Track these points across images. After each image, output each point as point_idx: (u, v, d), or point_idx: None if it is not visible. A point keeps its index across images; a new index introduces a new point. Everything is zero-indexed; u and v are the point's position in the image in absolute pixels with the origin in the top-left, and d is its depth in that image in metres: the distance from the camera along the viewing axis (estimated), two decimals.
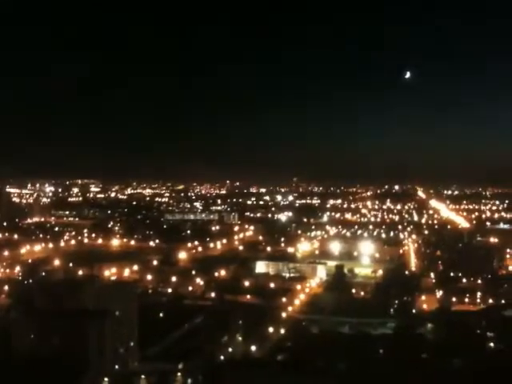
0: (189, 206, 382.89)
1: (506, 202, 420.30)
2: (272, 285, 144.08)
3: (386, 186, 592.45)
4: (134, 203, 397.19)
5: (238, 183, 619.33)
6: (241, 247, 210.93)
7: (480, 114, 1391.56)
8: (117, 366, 78.56)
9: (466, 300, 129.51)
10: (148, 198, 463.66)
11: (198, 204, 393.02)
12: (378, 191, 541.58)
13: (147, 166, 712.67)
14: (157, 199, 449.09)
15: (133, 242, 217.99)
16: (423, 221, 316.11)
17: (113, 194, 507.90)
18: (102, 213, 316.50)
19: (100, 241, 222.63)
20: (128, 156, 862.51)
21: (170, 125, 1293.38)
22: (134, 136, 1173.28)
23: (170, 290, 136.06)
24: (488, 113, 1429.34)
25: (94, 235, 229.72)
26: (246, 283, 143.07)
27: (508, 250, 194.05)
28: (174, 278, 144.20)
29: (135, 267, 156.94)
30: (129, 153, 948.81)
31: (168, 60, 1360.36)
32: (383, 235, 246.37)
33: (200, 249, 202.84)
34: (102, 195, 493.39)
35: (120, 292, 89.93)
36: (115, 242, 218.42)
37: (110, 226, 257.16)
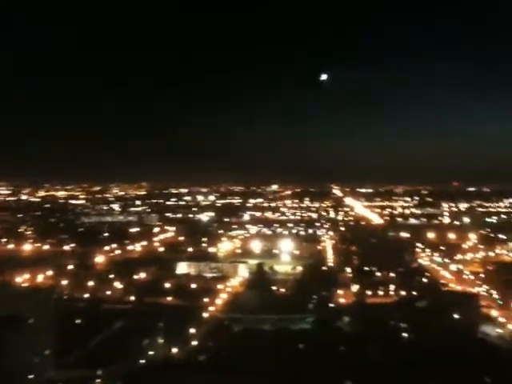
0: (106, 207, 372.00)
1: (416, 198, 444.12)
2: (194, 285, 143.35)
3: (305, 185, 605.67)
4: (47, 206, 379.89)
5: (158, 183, 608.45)
6: (161, 248, 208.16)
7: (389, 114, 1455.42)
8: (31, 376, 74.84)
9: (381, 293, 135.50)
10: (62, 201, 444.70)
11: (116, 205, 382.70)
12: (297, 190, 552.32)
13: (60, 167, 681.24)
14: (72, 201, 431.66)
15: (47, 247, 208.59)
16: (339, 218, 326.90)
17: (24, 197, 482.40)
18: (13, 216, 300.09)
19: (11, 246, 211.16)
20: (40, 157, 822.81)
21: (86, 124, 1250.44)
22: (45, 136, 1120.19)
23: (87, 295, 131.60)
24: (398, 113, 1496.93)
25: (4, 240, 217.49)
26: (167, 285, 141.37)
27: (418, 244, 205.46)
28: (91, 283, 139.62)
29: (50, 272, 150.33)
30: (41, 153, 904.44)
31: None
32: (302, 232, 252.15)
33: (118, 251, 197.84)
34: (13, 198, 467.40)
35: (33, 299, 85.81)
36: (27, 247, 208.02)
37: (21, 230, 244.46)
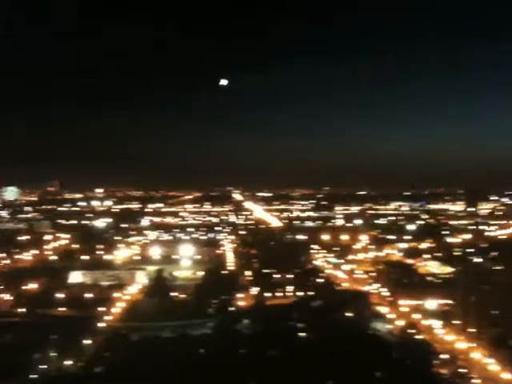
0: None
1: (312, 202, 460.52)
2: (89, 295, 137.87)
3: (205, 190, 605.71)
4: None
5: (50, 189, 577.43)
6: (54, 257, 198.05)
7: (286, 121, 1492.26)
8: None
9: (279, 294, 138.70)
10: None
11: (3, 212, 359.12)
12: (198, 194, 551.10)
13: None
14: None
15: None
16: (240, 222, 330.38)
17: None
18: None
19: None
20: None
21: None
22: None
23: None
24: (297, 114, 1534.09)
25: None
26: (60, 295, 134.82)
27: (314, 246, 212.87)
28: None
29: None
30: None
31: None
32: (203, 237, 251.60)
33: (6, 261, 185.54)
34: None
35: None
36: None
37: None
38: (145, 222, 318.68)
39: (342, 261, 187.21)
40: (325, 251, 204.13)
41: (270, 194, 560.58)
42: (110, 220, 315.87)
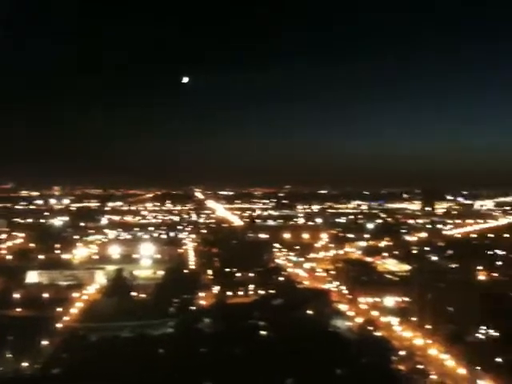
0: None
1: (274, 200, 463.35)
2: (46, 295, 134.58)
3: (166, 188, 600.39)
4: None
5: (5, 186, 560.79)
6: (9, 256, 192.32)
7: (251, 120, 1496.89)
8: None
9: (240, 293, 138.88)
10: None
11: None
12: (158, 193, 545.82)
13: None
14: None
15: None
16: (201, 220, 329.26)
17: None
18: None
19: None
20: None
21: None
22: None
23: None
24: (258, 115, 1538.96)
25: None
26: (16, 295, 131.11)
27: (275, 244, 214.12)
28: None
29: None
30: None
31: None
32: (163, 236, 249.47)
33: None
34: None
35: None
36: None
37: None
38: (104, 220, 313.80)
39: (303, 259, 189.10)
40: (286, 250, 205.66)
41: (232, 193, 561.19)
42: (68, 218, 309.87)
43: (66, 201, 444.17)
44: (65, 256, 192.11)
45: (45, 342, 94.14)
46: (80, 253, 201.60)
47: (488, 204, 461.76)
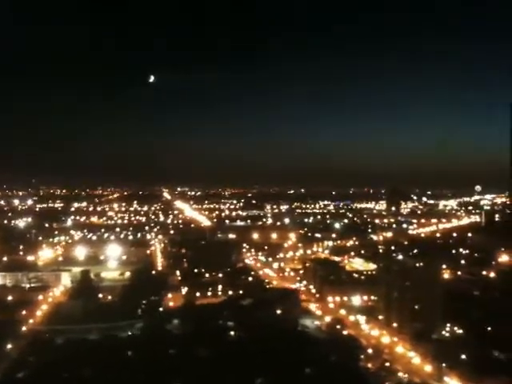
0: None
1: (242, 201, 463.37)
2: (10, 297, 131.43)
3: (133, 188, 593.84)
4: None
5: None
6: None
7: (225, 120, 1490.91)
8: None
9: (209, 293, 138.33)
10: None
11: None
12: (125, 193, 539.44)
13: None
14: None
15: None
16: (169, 221, 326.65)
17: None
18: None
19: None
20: None
21: None
22: None
23: None
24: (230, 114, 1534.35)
25: None
26: None
27: (244, 244, 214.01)
28: None
29: None
30: None
31: None
32: (130, 237, 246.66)
33: None
34: None
35: None
36: None
37: None
38: (69, 221, 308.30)
39: (272, 259, 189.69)
40: (255, 250, 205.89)
41: (200, 193, 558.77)
42: (32, 219, 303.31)
43: (29, 201, 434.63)
44: (29, 258, 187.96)
45: (10, 346, 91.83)
46: (45, 254, 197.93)
47: (452, 204, 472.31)
